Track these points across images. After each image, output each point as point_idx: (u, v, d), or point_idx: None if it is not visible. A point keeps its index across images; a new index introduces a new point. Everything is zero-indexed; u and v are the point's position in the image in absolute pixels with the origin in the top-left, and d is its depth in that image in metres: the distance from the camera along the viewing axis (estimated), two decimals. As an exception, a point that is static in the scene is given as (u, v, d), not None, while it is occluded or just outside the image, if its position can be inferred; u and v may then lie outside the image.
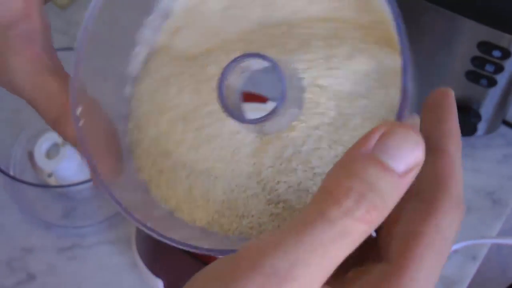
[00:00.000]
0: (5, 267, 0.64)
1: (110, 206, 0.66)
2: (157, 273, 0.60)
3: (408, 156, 0.22)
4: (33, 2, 0.32)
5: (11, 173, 0.66)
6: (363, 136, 0.23)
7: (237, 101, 0.29)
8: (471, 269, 0.65)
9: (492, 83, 0.61)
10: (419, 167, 0.22)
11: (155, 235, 0.26)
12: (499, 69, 0.59)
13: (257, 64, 0.28)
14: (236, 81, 0.29)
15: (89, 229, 0.66)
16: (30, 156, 0.65)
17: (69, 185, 0.61)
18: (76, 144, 0.29)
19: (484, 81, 0.61)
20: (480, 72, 0.60)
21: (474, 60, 0.60)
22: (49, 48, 0.32)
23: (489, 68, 0.60)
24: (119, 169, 0.30)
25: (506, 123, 0.70)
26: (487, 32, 0.57)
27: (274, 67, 0.27)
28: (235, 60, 0.27)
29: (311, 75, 0.29)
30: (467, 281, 0.64)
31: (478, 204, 0.67)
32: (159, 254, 0.59)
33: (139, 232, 0.61)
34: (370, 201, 0.21)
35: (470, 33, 0.58)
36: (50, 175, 0.64)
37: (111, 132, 0.30)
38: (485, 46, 0.58)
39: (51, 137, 0.64)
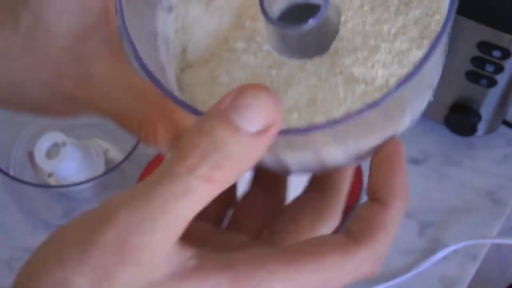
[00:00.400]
0: (5, 267, 0.64)
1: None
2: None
3: (260, 115, 0.22)
4: (110, 1, 0.30)
5: (11, 173, 0.66)
6: (219, 99, 0.23)
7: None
8: (471, 269, 0.65)
9: (492, 83, 0.61)
10: (276, 127, 0.22)
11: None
12: (499, 69, 0.59)
13: None
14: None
15: (89, 229, 0.66)
16: (30, 156, 0.65)
17: (69, 185, 0.61)
18: (163, 146, 0.28)
19: (484, 81, 0.61)
20: (480, 72, 0.60)
21: (474, 60, 0.60)
22: (122, 47, 0.30)
23: (489, 68, 0.60)
24: None
25: (506, 123, 0.70)
26: (487, 32, 0.57)
27: None
28: None
29: None
30: (467, 281, 0.64)
31: (478, 204, 0.67)
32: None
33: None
34: (214, 161, 0.22)
35: (470, 33, 0.58)
36: (50, 175, 0.64)
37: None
38: (485, 46, 0.58)
39: (51, 137, 0.64)
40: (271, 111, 0.22)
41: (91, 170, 0.64)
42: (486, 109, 0.65)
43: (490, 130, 0.69)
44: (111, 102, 0.30)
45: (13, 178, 0.60)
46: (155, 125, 0.29)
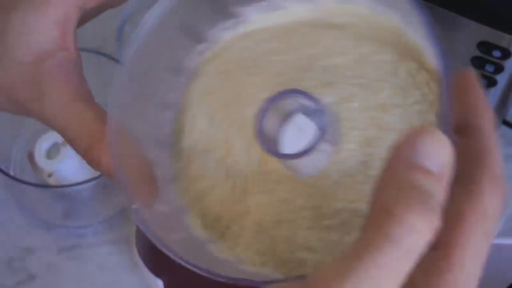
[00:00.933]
0: (5, 267, 0.64)
1: (110, 206, 0.66)
2: (157, 273, 0.60)
3: (442, 155, 0.22)
4: (69, 33, 0.32)
5: (11, 173, 0.66)
6: (394, 146, 0.22)
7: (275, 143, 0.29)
8: (471, 269, 0.65)
9: (492, 83, 0.61)
10: (452, 164, 0.22)
11: (203, 273, 0.26)
12: (499, 69, 0.59)
13: (296, 102, 0.29)
14: (273, 123, 0.29)
15: (89, 229, 0.66)
16: (30, 156, 0.65)
17: (69, 185, 0.61)
18: (109, 173, 0.29)
19: (484, 81, 0.61)
20: (480, 72, 0.60)
21: (474, 60, 0.60)
22: (82, 77, 0.33)
23: (489, 68, 0.60)
24: (154, 199, 0.30)
25: (506, 123, 0.70)
26: (487, 32, 0.57)
27: (316, 105, 0.27)
28: (275, 97, 0.27)
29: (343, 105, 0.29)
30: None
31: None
32: (159, 254, 0.59)
33: (139, 232, 0.61)
34: (431, 208, 0.21)
35: (470, 33, 0.58)
36: (50, 175, 0.64)
37: (144, 161, 0.30)
38: (485, 46, 0.58)
39: (51, 137, 0.64)
40: (447, 148, 0.22)
41: (91, 170, 0.63)
42: (486, 109, 0.65)
43: (490, 130, 0.69)
44: (59, 124, 0.32)
45: (13, 178, 0.60)
46: (98, 155, 0.31)
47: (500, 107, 0.65)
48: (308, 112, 0.28)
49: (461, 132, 0.25)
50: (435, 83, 0.29)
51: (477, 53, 0.59)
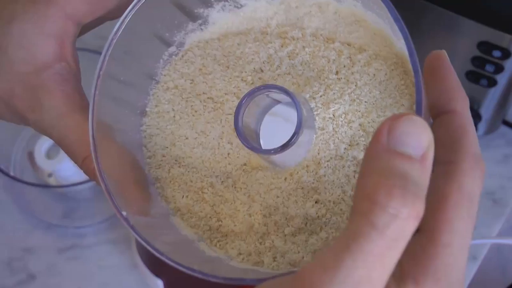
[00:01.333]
0: (5, 267, 0.64)
1: (110, 206, 0.66)
2: (157, 273, 0.60)
3: (420, 138, 0.22)
4: (67, 45, 0.33)
5: (11, 173, 0.66)
6: (374, 134, 0.22)
7: (253, 135, 0.30)
8: (471, 269, 0.65)
9: (492, 83, 0.61)
10: (433, 146, 0.22)
11: (198, 275, 0.27)
12: (499, 69, 0.59)
13: (273, 96, 0.29)
14: (250, 118, 0.30)
15: (89, 229, 0.66)
16: (30, 156, 0.65)
17: (69, 185, 0.61)
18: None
19: (484, 81, 0.61)
20: (480, 72, 0.60)
21: (474, 60, 0.60)
22: (79, 88, 0.34)
23: (489, 68, 0.60)
24: (145, 206, 0.31)
25: (506, 123, 0.70)
26: (487, 32, 0.57)
27: (291, 99, 0.27)
28: (252, 92, 0.28)
29: (321, 102, 0.30)
30: (467, 281, 0.64)
31: (478, 204, 0.67)
32: (159, 254, 0.59)
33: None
34: (412, 193, 0.21)
35: (470, 33, 0.58)
36: (50, 175, 0.64)
37: (136, 168, 0.31)
38: (485, 46, 0.58)
39: (51, 137, 0.64)
40: (427, 132, 0.22)
41: (91, 170, 0.64)
42: (486, 109, 0.65)
43: (490, 130, 0.69)
44: (57, 134, 0.33)
45: (13, 178, 0.60)
46: (95, 165, 0.30)
47: (500, 107, 0.65)
48: (285, 107, 0.29)
49: (437, 114, 0.25)
50: (407, 73, 0.30)
51: (477, 53, 0.59)
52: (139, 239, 0.27)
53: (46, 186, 0.64)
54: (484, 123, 0.67)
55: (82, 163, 0.32)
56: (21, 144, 0.68)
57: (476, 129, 0.67)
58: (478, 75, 0.61)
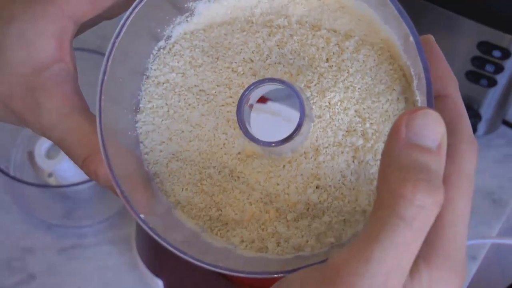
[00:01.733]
0: (5, 267, 0.64)
1: (110, 206, 0.66)
2: (157, 273, 0.60)
3: (436, 130, 0.23)
4: (65, 46, 0.33)
5: (11, 173, 0.66)
6: (391, 129, 0.24)
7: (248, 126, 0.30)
8: (471, 269, 0.65)
9: (492, 83, 0.61)
10: (446, 136, 0.24)
11: (209, 267, 0.27)
12: (499, 69, 0.59)
13: (270, 87, 0.30)
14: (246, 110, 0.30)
15: (89, 229, 0.66)
16: (30, 156, 0.65)
17: (69, 185, 0.61)
18: (107, 184, 0.30)
19: (484, 81, 0.61)
20: (480, 72, 0.60)
21: (474, 60, 0.60)
22: (78, 89, 0.34)
23: (489, 68, 0.60)
24: (153, 204, 0.31)
25: (506, 123, 0.70)
26: (487, 32, 0.57)
27: (294, 92, 0.28)
28: (253, 85, 0.28)
29: (317, 90, 0.30)
30: (467, 281, 0.64)
31: (478, 204, 0.67)
32: (159, 254, 0.59)
33: (139, 232, 0.61)
34: (435, 184, 0.22)
35: (470, 33, 0.58)
36: (50, 175, 0.64)
37: (138, 168, 0.31)
38: (485, 46, 0.58)
39: (51, 137, 0.64)
40: (441, 123, 0.23)
41: (91, 170, 0.64)
42: (486, 109, 0.65)
43: (490, 130, 0.69)
44: (57, 135, 0.32)
45: (13, 178, 0.60)
46: (96, 165, 0.31)
47: (500, 107, 0.65)
48: (284, 98, 0.29)
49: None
50: (394, 58, 0.30)
51: (477, 53, 0.59)
52: (161, 241, 0.28)
53: (46, 186, 0.64)
54: (484, 123, 0.67)
55: (82, 163, 0.32)
56: (21, 144, 0.68)
57: (476, 129, 0.67)
58: (478, 75, 0.61)
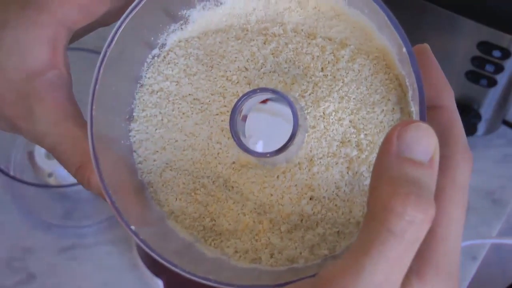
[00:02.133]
0: (5, 267, 0.64)
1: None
2: (157, 273, 0.60)
3: (428, 143, 0.23)
4: (59, 52, 0.33)
5: (11, 173, 0.66)
6: (383, 142, 0.23)
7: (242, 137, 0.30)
8: (471, 269, 0.65)
9: (492, 83, 0.61)
10: (438, 150, 0.23)
11: (196, 279, 0.27)
12: (499, 69, 0.59)
13: (263, 97, 0.30)
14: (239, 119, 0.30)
15: (89, 229, 0.66)
16: (30, 156, 0.65)
17: (69, 185, 0.60)
18: (99, 192, 0.29)
19: (484, 81, 0.61)
20: (480, 72, 0.60)
21: (474, 60, 0.60)
22: (71, 96, 0.33)
23: (489, 68, 0.60)
24: (145, 215, 0.31)
25: (506, 123, 0.70)
26: (487, 32, 0.57)
27: (288, 103, 0.28)
28: (245, 95, 0.28)
29: (311, 100, 0.30)
30: (467, 281, 0.64)
31: (478, 204, 0.67)
32: (159, 254, 0.59)
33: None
34: (425, 199, 0.22)
35: (470, 33, 0.58)
36: (50, 175, 0.64)
37: (130, 177, 0.31)
38: (485, 46, 0.58)
39: (51, 137, 0.64)
40: (433, 137, 0.23)
41: (91, 170, 0.64)
42: (486, 109, 0.65)
43: (490, 130, 0.69)
44: (49, 142, 0.32)
45: (13, 178, 0.60)
46: (89, 173, 0.31)
47: (500, 107, 0.65)
48: (279, 107, 0.29)
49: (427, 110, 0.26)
50: (389, 67, 0.30)
51: (477, 53, 0.59)
52: (152, 253, 0.27)
53: (46, 186, 0.64)
54: (484, 123, 0.67)
55: (75, 172, 0.32)
56: (21, 144, 0.68)
57: (476, 129, 0.67)
58: (478, 75, 0.61)
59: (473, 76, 0.61)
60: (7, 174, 0.59)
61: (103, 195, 0.28)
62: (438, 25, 0.60)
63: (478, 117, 0.65)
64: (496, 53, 0.58)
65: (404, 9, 0.60)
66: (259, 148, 0.30)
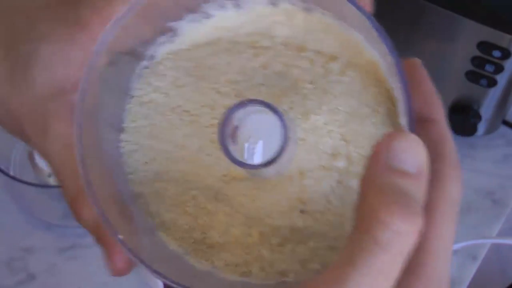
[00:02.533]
0: (5, 267, 0.64)
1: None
2: (157, 273, 0.60)
3: (417, 155, 0.23)
4: None
5: (11, 173, 0.66)
6: (371, 153, 0.23)
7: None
8: (471, 269, 0.65)
9: (492, 83, 0.61)
10: (427, 161, 0.23)
11: None
12: (499, 69, 0.59)
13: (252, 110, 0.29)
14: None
15: (89, 229, 0.66)
16: (30, 156, 0.65)
17: (69, 185, 0.60)
18: (89, 229, 0.30)
19: (484, 81, 0.61)
20: (480, 72, 0.60)
21: (474, 60, 0.60)
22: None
23: (489, 68, 0.60)
24: (134, 225, 0.30)
25: (506, 123, 0.70)
26: (487, 32, 0.57)
27: (277, 115, 0.27)
28: (235, 107, 0.28)
29: (299, 112, 0.30)
30: (467, 281, 0.64)
31: (478, 204, 0.67)
32: (159, 254, 0.59)
33: (139, 232, 0.61)
34: (412, 209, 0.22)
35: (470, 33, 0.58)
36: (50, 175, 0.64)
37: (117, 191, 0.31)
38: (485, 46, 0.58)
39: (51, 137, 0.64)
40: (422, 148, 0.23)
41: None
42: (486, 109, 0.65)
43: (490, 130, 0.69)
44: (54, 165, 0.32)
45: (13, 178, 0.60)
46: (82, 207, 0.31)
47: (500, 107, 0.65)
48: (268, 120, 0.29)
49: (417, 124, 0.26)
50: (380, 80, 0.30)
51: (477, 53, 0.59)
52: (138, 261, 0.27)
53: (46, 186, 0.64)
54: (484, 123, 0.67)
55: (70, 202, 0.32)
56: (21, 144, 0.68)
57: (476, 129, 0.67)
58: (478, 75, 0.61)
59: (473, 76, 0.61)
60: (7, 174, 0.59)
61: (94, 232, 0.28)
62: (438, 25, 0.60)
63: (478, 117, 0.65)
64: (496, 53, 0.58)
65: (404, 9, 0.60)
66: (259, 148, 0.29)
